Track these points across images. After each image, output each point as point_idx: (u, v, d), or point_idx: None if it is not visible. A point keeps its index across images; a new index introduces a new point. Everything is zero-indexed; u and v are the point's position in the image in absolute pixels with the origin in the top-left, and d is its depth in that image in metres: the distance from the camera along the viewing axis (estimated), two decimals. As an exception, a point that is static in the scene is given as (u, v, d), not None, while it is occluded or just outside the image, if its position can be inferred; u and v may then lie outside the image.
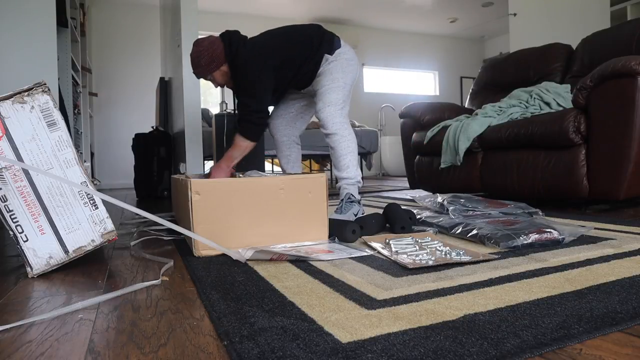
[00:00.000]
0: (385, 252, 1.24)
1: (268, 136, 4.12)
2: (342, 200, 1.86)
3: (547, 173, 2.09)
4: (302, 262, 1.17)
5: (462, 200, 1.82)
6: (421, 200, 2.06)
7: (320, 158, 5.13)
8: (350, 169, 1.89)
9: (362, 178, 1.94)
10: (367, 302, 0.84)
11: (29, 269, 1.16)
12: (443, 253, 1.19)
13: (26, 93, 1.19)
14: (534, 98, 2.47)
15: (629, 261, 1.08)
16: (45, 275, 1.17)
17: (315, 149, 4.52)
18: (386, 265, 1.12)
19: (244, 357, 0.61)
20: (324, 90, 1.89)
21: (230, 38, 1.89)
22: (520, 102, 2.53)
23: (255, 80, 1.86)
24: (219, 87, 2.03)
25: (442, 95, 8.14)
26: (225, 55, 1.88)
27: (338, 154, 1.88)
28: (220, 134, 3.29)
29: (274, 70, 1.89)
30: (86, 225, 1.23)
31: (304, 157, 4.76)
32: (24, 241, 1.16)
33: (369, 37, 7.40)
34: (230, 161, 1.92)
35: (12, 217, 1.16)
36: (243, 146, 1.90)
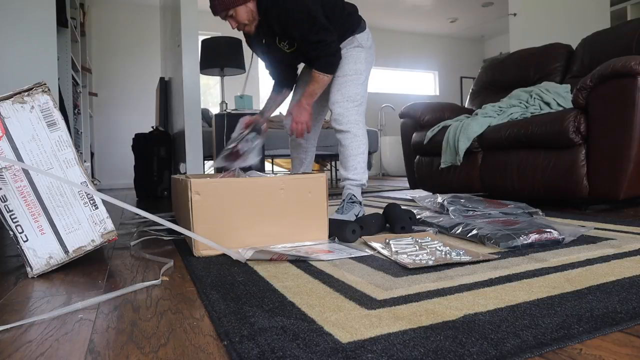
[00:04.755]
0: (385, 252, 1.24)
1: (268, 136, 4.12)
2: (343, 200, 1.85)
3: (547, 173, 2.09)
4: (302, 262, 1.17)
5: (462, 200, 1.82)
6: (421, 200, 2.06)
7: (320, 158, 5.13)
8: (357, 171, 1.85)
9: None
10: (367, 302, 0.83)
11: (29, 269, 1.16)
12: (443, 253, 1.19)
13: (26, 93, 1.19)
14: (534, 98, 2.47)
15: (629, 261, 1.08)
16: (45, 275, 1.17)
17: (315, 149, 4.52)
18: (386, 265, 1.12)
19: (244, 357, 0.61)
20: (345, 80, 1.82)
21: None
22: (520, 102, 2.53)
23: (311, 11, 1.71)
24: (237, 28, 1.80)
25: (442, 95, 8.14)
26: None
27: (348, 153, 1.84)
28: (220, 134, 3.29)
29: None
30: (86, 225, 1.23)
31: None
32: (24, 241, 1.16)
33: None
34: (312, 98, 1.84)
35: (12, 217, 1.16)
36: (325, 81, 1.80)
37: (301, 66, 2.11)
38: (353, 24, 1.87)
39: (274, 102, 2.06)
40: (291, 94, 2.11)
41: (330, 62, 1.78)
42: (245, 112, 3.40)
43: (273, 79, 2.07)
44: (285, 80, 2.05)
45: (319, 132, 2.14)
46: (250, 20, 1.76)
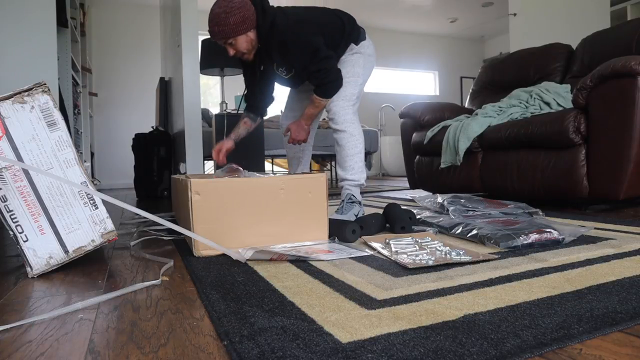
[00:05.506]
0: (385, 252, 1.24)
1: (268, 136, 4.12)
2: (342, 200, 1.85)
3: (547, 173, 2.09)
4: (302, 262, 1.17)
5: (462, 200, 1.82)
6: (421, 200, 2.06)
7: (320, 158, 5.13)
8: (354, 171, 1.85)
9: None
10: (367, 302, 0.83)
11: (29, 269, 1.16)
12: (443, 253, 1.19)
13: (26, 93, 1.19)
14: (534, 98, 2.47)
15: (629, 261, 1.08)
16: (45, 275, 1.17)
17: (315, 149, 4.52)
18: (386, 265, 1.12)
19: (244, 357, 0.61)
20: (343, 82, 1.84)
21: (263, 5, 1.73)
22: (520, 102, 2.53)
23: (311, 41, 1.74)
24: (235, 55, 1.78)
25: (442, 95, 8.14)
26: (257, 21, 1.71)
27: (345, 153, 1.84)
28: (220, 134, 3.29)
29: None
30: (86, 225, 1.23)
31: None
32: (24, 241, 1.16)
33: (369, 37, 7.41)
34: (311, 120, 1.91)
35: (12, 217, 1.16)
36: (323, 104, 1.86)
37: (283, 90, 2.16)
38: (352, 37, 1.90)
39: (246, 130, 2.08)
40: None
41: (331, 88, 1.81)
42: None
43: (248, 101, 2.06)
44: (261, 104, 2.06)
45: (315, 131, 2.15)
46: (249, 50, 1.77)
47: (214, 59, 3.43)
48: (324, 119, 4.99)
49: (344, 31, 1.87)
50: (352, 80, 1.86)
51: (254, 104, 2.05)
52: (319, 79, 1.79)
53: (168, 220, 1.23)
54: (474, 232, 1.38)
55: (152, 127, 3.95)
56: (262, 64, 1.89)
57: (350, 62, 1.88)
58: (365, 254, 1.25)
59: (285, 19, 1.74)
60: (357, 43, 1.91)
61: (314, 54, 1.74)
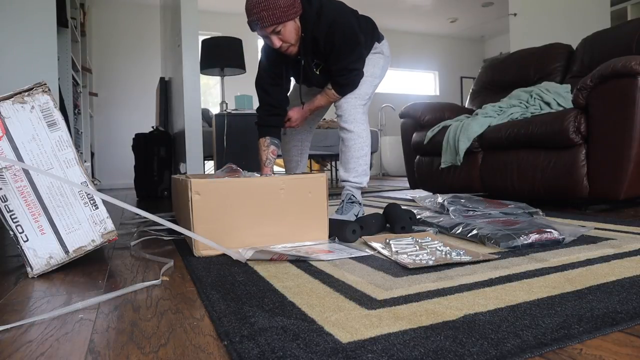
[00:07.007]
0: (385, 252, 1.24)
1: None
2: (342, 200, 1.85)
3: (547, 173, 2.09)
4: (302, 262, 1.17)
5: (462, 200, 1.82)
6: (421, 200, 2.06)
7: (320, 158, 5.13)
8: (357, 173, 1.82)
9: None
10: (367, 302, 0.83)
11: (29, 269, 1.16)
12: (443, 253, 1.19)
13: (26, 93, 1.19)
14: (534, 98, 2.47)
15: (629, 261, 1.08)
16: (45, 275, 1.17)
17: (315, 149, 4.52)
18: (386, 265, 1.12)
19: (244, 357, 0.61)
20: (362, 81, 1.81)
21: None
22: (521, 102, 2.53)
23: (358, 35, 1.69)
24: (280, 47, 1.66)
25: (442, 95, 8.14)
26: (302, 8, 1.62)
27: (350, 154, 1.81)
28: (220, 134, 3.29)
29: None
30: (86, 225, 1.23)
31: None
32: (24, 241, 1.16)
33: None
34: (315, 110, 1.89)
35: (13, 217, 1.16)
36: (335, 99, 1.81)
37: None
38: (375, 36, 1.90)
39: (275, 158, 1.87)
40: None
41: (350, 89, 1.80)
42: (245, 112, 3.40)
43: (269, 119, 1.87)
44: (280, 122, 1.91)
45: (312, 134, 2.14)
46: (296, 40, 1.66)
47: (214, 59, 3.43)
48: (324, 119, 4.99)
49: (367, 28, 1.86)
50: (369, 80, 1.84)
51: (275, 123, 1.87)
52: (349, 79, 1.75)
53: (168, 220, 1.23)
54: (474, 232, 1.38)
55: (152, 127, 3.95)
56: (304, 58, 1.76)
57: (372, 62, 1.87)
58: (366, 254, 1.25)
59: (332, 6, 1.69)
60: (379, 41, 1.91)
61: (355, 49, 1.71)
